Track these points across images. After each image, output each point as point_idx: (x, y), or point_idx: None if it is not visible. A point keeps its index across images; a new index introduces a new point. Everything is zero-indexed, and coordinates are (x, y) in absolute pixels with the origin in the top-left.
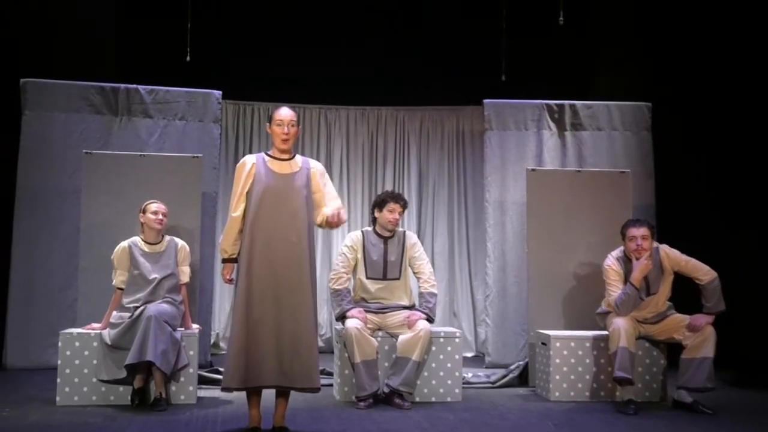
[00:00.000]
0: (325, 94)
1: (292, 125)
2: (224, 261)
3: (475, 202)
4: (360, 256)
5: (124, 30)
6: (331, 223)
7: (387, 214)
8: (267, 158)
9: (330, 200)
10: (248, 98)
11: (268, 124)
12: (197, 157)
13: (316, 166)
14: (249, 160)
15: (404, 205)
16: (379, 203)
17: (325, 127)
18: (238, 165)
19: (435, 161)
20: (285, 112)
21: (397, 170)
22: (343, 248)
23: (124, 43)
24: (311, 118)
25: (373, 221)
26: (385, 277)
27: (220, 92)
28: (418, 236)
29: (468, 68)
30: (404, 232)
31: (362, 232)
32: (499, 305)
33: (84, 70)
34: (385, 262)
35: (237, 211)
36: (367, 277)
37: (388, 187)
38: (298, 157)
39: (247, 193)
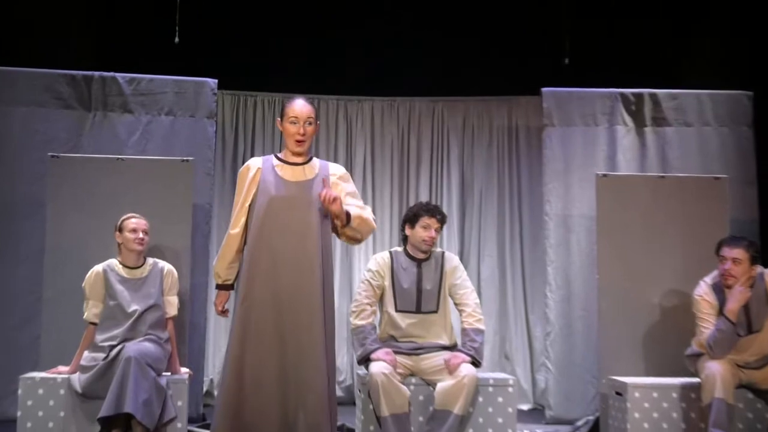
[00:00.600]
0: (345, 82)
1: (309, 123)
2: (218, 288)
3: (532, 216)
4: (388, 283)
5: (98, 6)
6: (333, 213)
7: (421, 232)
8: (276, 162)
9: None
10: (250, 88)
11: (278, 119)
12: (187, 160)
13: (337, 171)
14: (253, 165)
15: (442, 220)
16: (412, 218)
17: (345, 123)
18: (240, 171)
19: (481, 165)
20: (300, 107)
21: (435, 176)
22: (367, 273)
23: (98, 22)
24: (327, 111)
25: (404, 240)
26: (419, 310)
27: (216, 81)
28: (461, 258)
29: (522, 49)
30: (443, 253)
31: (390, 253)
32: (562, 345)
33: (49, 55)
34: (418, 291)
35: (236, 228)
36: (397, 310)
37: (423, 197)
38: (316, 161)
39: (249, 205)
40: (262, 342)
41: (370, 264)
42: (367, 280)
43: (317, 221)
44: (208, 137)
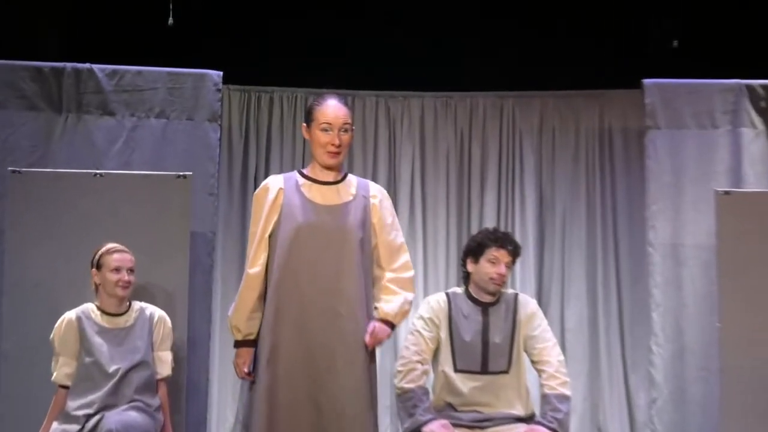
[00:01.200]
0: (387, 74)
1: (345, 129)
2: (238, 345)
3: (632, 247)
4: (444, 335)
5: None
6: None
7: (488, 267)
8: (302, 181)
9: (391, 257)
10: (265, 82)
11: (304, 125)
12: (184, 176)
13: (379, 193)
14: (273, 185)
15: (515, 252)
16: (475, 249)
17: (387, 124)
18: (256, 193)
19: (564, 179)
20: (334, 109)
21: (504, 194)
22: (417, 322)
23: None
24: (364, 112)
25: (466, 278)
26: (485, 370)
27: (221, 74)
28: (539, 302)
29: (616, 30)
30: (516, 295)
31: (447, 295)
32: (673, 416)
33: (8, 43)
34: (485, 346)
35: (255, 266)
36: (456, 370)
37: (489, 222)
38: (352, 179)
39: (270, 236)
40: (294, 416)
41: (421, 310)
42: (418, 331)
43: (357, 257)
44: (211, 146)
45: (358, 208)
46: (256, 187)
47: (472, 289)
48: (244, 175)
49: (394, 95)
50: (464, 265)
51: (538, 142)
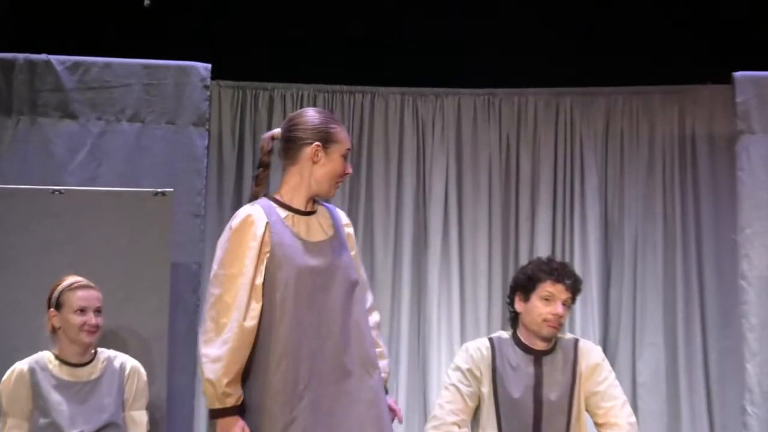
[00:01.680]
0: (414, 66)
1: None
2: (228, 413)
3: (720, 280)
4: (487, 390)
5: None
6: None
7: (540, 306)
8: (283, 212)
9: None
10: (264, 77)
11: (318, 145)
12: (164, 193)
13: (348, 221)
14: (259, 218)
15: (574, 287)
16: (525, 284)
17: (414, 129)
18: (236, 225)
19: (635, 195)
20: (347, 137)
21: (560, 213)
22: (453, 374)
23: None
24: (387, 112)
25: (513, 320)
26: None
27: (209, 66)
28: (605, 350)
29: (699, 11)
30: (575, 341)
31: (491, 341)
32: None
33: None
34: (537, 404)
35: (251, 319)
36: None
37: (542, 250)
38: (318, 206)
39: (263, 283)
40: None
41: (458, 359)
42: (454, 385)
43: (359, 303)
44: (197, 156)
45: (342, 243)
46: None
47: (521, 334)
48: (237, 193)
49: (424, 93)
50: (511, 303)
51: (603, 150)
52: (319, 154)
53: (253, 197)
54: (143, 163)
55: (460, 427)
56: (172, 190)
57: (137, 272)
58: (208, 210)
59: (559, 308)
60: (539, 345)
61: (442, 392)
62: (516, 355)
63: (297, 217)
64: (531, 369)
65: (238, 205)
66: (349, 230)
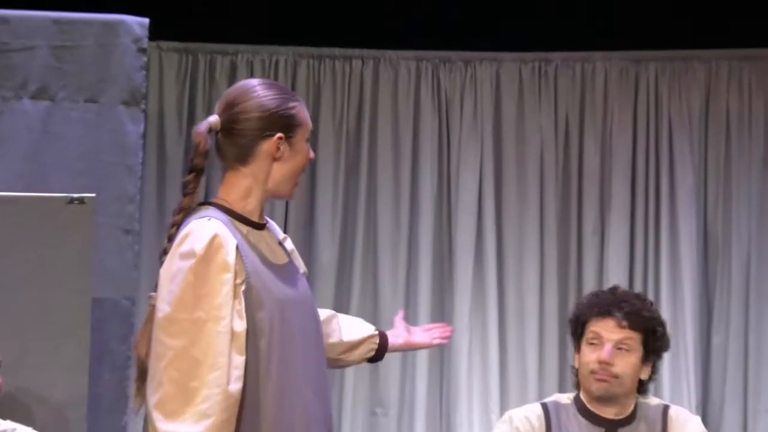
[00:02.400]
0: (434, 24)
1: None
2: None
3: None
4: None
5: None
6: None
7: (586, 354)
8: (242, 227)
9: None
10: (223, 37)
11: (281, 137)
12: (82, 200)
13: (282, 233)
14: (226, 239)
15: (633, 319)
16: (574, 327)
17: (434, 105)
18: (202, 252)
19: (748, 198)
20: (306, 111)
21: (641, 223)
22: None
23: None
24: (396, 83)
25: (576, 377)
26: None
27: (146, 22)
28: (705, 419)
29: None
30: (664, 408)
31: (544, 407)
32: None
33: None
34: None
35: (237, 381)
36: None
37: (615, 277)
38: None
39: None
40: None
41: (501, 427)
42: None
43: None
44: (129, 147)
45: (297, 263)
46: None
47: (584, 397)
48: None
49: (449, 58)
50: (577, 348)
51: (701, 136)
52: (282, 148)
53: (181, 212)
54: (53, 158)
55: None
56: (93, 195)
57: (45, 312)
58: (145, 223)
59: (605, 353)
60: (608, 412)
61: None
62: (580, 427)
63: (253, 232)
64: None
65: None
66: (290, 247)
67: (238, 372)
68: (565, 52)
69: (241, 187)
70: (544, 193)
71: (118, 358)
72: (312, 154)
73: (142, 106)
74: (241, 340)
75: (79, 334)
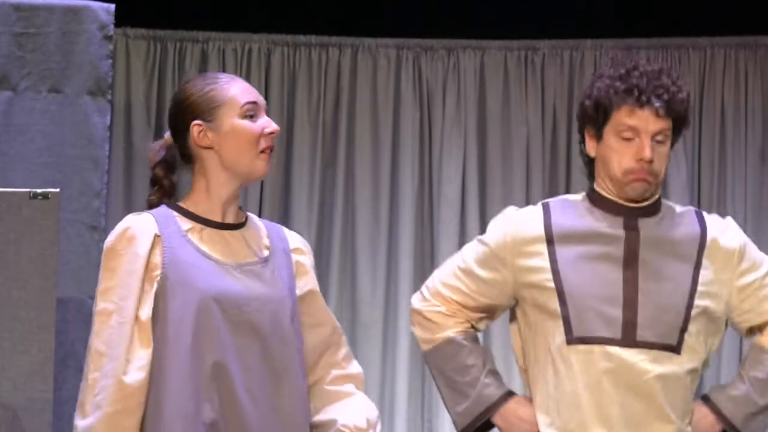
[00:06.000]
0: (413, 9)
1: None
2: None
3: None
4: (539, 277)
5: None
6: None
7: (618, 148)
8: (187, 223)
9: (329, 346)
10: (194, 24)
11: (198, 123)
12: (46, 196)
13: (302, 245)
14: (142, 229)
15: (672, 110)
16: (593, 114)
17: (415, 96)
18: (110, 243)
19: (743, 191)
20: (248, 87)
21: None
22: (467, 251)
23: None
24: (375, 72)
25: (588, 166)
26: (631, 339)
27: (112, 7)
28: None
29: None
30: (697, 210)
31: (543, 206)
32: None
33: None
34: (630, 291)
35: (137, 371)
36: (572, 340)
37: None
38: (256, 221)
39: (153, 318)
40: None
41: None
42: (466, 271)
43: (295, 349)
44: (95, 140)
45: (281, 271)
46: None
47: (601, 186)
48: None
49: (431, 46)
50: (582, 141)
51: (695, 127)
52: (203, 134)
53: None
54: (14, 151)
55: (468, 321)
56: (57, 190)
57: (7, 313)
58: (111, 219)
59: (647, 150)
60: (631, 199)
61: (447, 269)
62: (594, 218)
63: (208, 230)
64: (621, 232)
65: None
66: (300, 258)
67: (139, 363)
68: (552, 39)
69: (195, 187)
70: (530, 187)
71: (84, 360)
72: (269, 127)
73: (109, 97)
74: (147, 331)
75: (43, 335)
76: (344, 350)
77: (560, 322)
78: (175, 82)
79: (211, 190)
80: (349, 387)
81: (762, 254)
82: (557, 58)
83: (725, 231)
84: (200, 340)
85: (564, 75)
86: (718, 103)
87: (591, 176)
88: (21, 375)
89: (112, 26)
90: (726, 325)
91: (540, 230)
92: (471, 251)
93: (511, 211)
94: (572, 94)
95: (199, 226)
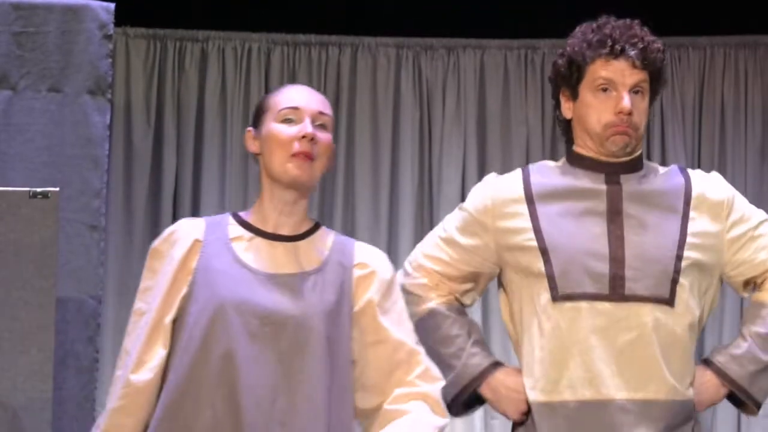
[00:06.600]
0: (413, 8)
1: (323, 125)
2: None
3: None
4: (520, 238)
5: None
6: None
7: (594, 103)
8: (236, 231)
9: (396, 369)
10: (194, 23)
11: (250, 131)
12: (45, 195)
13: (373, 262)
14: (186, 233)
15: (648, 59)
16: (566, 72)
17: (415, 95)
18: (154, 245)
19: (743, 189)
20: (303, 92)
21: None
22: (448, 221)
23: None
24: (375, 72)
25: (565, 133)
26: (618, 293)
27: (112, 6)
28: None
29: None
30: (679, 166)
31: (522, 170)
32: None
33: None
34: (616, 246)
35: (141, 370)
36: (558, 297)
37: None
38: (326, 233)
39: (175, 321)
40: None
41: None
42: (447, 240)
43: (323, 372)
44: (95, 139)
45: (328, 283)
46: (176, 213)
47: (580, 146)
48: (153, 193)
49: (431, 45)
50: (557, 106)
51: (695, 125)
52: (251, 141)
53: None
54: (14, 150)
55: (449, 293)
56: (57, 189)
57: (7, 313)
58: (111, 219)
59: (625, 100)
60: (611, 156)
61: (429, 241)
62: (575, 177)
63: (257, 240)
64: (602, 187)
65: (153, 210)
66: (363, 272)
67: (152, 364)
68: (552, 39)
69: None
70: None
71: (84, 360)
72: (284, 135)
73: (108, 96)
74: (166, 333)
75: (42, 335)
76: (420, 369)
77: (545, 281)
78: (174, 81)
79: (264, 198)
80: (409, 405)
81: (752, 206)
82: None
83: (712, 184)
84: (209, 346)
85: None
86: (718, 102)
87: (569, 141)
88: (20, 375)
89: (111, 25)
90: (721, 281)
91: (519, 191)
92: (452, 220)
93: (491, 177)
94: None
95: (248, 234)
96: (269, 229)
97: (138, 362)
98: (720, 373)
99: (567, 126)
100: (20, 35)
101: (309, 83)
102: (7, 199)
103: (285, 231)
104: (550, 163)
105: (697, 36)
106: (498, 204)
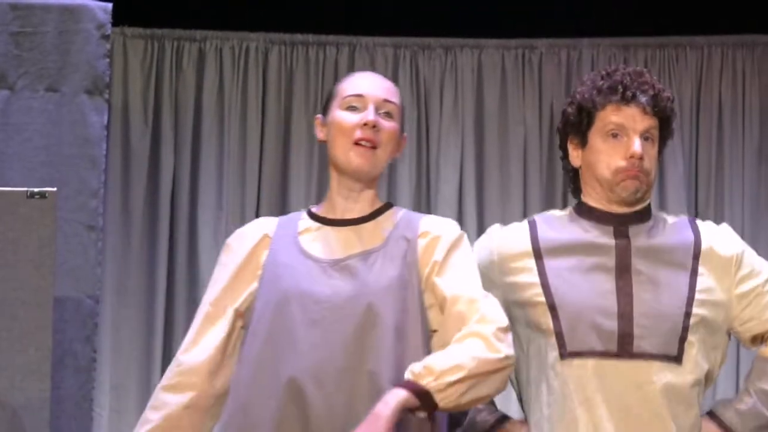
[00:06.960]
0: (410, 8)
1: (388, 113)
2: None
3: None
4: (528, 294)
5: None
6: None
7: (604, 149)
8: (305, 224)
9: (455, 322)
10: (192, 23)
11: (319, 119)
12: (43, 195)
13: (436, 228)
14: (257, 229)
15: (659, 107)
16: (576, 119)
17: (412, 94)
18: (228, 239)
19: (740, 190)
20: (370, 79)
21: None
22: None
23: None
24: (372, 70)
25: (573, 181)
26: (626, 351)
27: (109, 6)
28: None
29: None
30: (690, 218)
31: (529, 223)
32: None
33: None
34: (624, 302)
35: (191, 350)
36: (567, 355)
37: None
38: (397, 212)
39: (244, 311)
40: None
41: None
42: None
43: (389, 356)
44: (92, 139)
45: (390, 258)
46: (174, 212)
47: (588, 197)
48: (151, 192)
49: (428, 44)
50: (565, 156)
51: (693, 125)
52: (318, 128)
53: None
54: (12, 150)
55: None
56: (54, 189)
57: (5, 312)
58: (109, 219)
59: (636, 145)
60: (619, 208)
61: None
62: (582, 229)
63: (324, 228)
64: (611, 242)
65: (151, 210)
66: (426, 241)
67: (204, 345)
68: (550, 38)
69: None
70: (528, 186)
71: (82, 359)
72: (347, 123)
73: (106, 96)
74: (227, 318)
75: (40, 334)
76: (476, 316)
77: (553, 338)
78: (172, 81)
79: (332, 186)
80: (465, 341)
81: (762, 260)
82: (555, 57)
83: (721, 238)
84: (273, 338)
85: (561, 74)
86: (716, 102)
87: (576, 191)
88: (19, 374)
89: (109, 25)
90: (729, 336)
91: (527, 245)
92: None
93: (495, 228)
94: (570, 92)
95: (316, 225)
96: (337, 216)
97: (191, 343)
98: (724, 427)
99: (575, 175)
100: (18, 35)
101: (306, 83)
102: (5, 199)
103: (353, 214)
104: (557, 213)
105: (694, 35)
106: (504, 259)
